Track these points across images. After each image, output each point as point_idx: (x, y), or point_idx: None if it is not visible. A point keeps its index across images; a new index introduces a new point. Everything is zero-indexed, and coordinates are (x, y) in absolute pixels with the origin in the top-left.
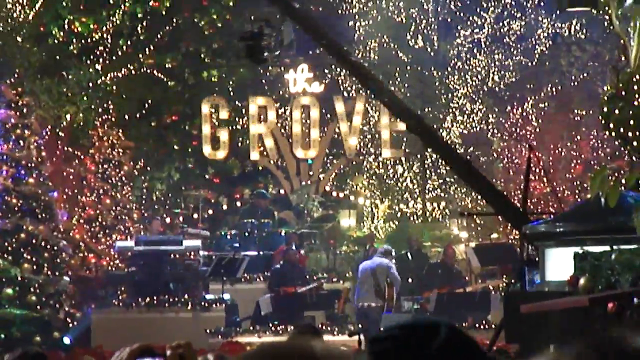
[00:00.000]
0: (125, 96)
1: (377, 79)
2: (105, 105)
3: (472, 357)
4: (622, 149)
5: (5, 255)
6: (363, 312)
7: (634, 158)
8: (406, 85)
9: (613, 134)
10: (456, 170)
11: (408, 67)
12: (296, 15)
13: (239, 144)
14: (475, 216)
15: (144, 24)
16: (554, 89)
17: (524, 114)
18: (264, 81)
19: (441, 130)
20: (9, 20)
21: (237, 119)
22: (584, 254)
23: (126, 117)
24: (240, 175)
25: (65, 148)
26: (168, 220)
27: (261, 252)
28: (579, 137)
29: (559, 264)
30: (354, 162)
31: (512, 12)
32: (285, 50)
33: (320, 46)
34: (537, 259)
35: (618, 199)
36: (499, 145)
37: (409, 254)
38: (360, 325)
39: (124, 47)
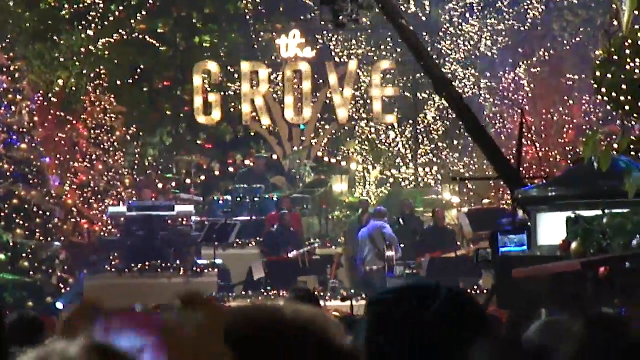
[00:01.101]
0: (118, 61)
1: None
2: (97, 70)
3: (470, 319)
4: (614, 113)
5: None
6: (367, 276)
7: (625, 122)
8: (398, 49)
9: (605, 98)
10: (471, 132)
11: None
12: None
13: (231, 110)
14: (467, 181)
15: None
16: (546, 54)
17: (516, 78)
18: (255, 46)
19: (433, 96)
20: None
21: (229, 84)
22: (576, 218)
23: (118, 82)
24: (233, 141)
25: (58, 113)
26: (160, 185)
27: (253, 217)
28: (571, 102)
29: (551, 228)
30: (346, 128)
31: None
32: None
33: (395, 28)
34: (528, 223)
35: (610, 164)
36: (491, 110)
37: (401, 220)
38: (365, 290)
39: (116, 13)
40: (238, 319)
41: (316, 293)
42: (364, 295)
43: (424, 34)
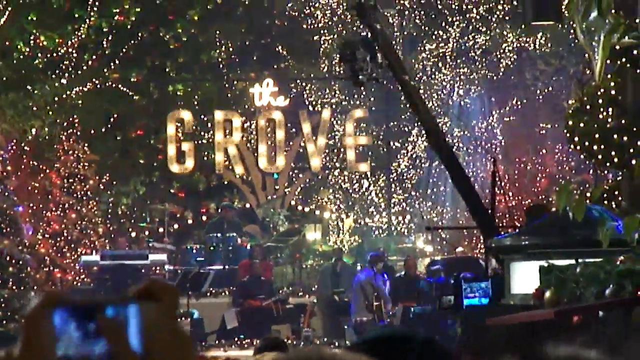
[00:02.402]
0: (91, 110)
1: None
2: (70, 119)
3: None
4: (587, 162)
5: None
6: (357, 328)
7: (598, 172)
8: (371, 98)
9: (578, 147)
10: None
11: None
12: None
13: (205, 158)
14: (440, 230)
15: (110, 38)
16: (518, 103)
17: (489, 127)
18: (229, 95)
19: (406, 145)
20: None
21: (202, 133)
22: (549, 267)
23: (92, 131)
24: (206, 190)
25: (31, 162)
26: (134, 234)
27: (227, 267)
28: (544, 151)
29: (525, 277)
30: (320, 176)
31: (477, 26)
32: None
33: (398, 82)
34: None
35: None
36: (463, 159)
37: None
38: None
39: (90, 61)
40: None
41: (289, 342)
42: (336, 344)
43: (397, 83)
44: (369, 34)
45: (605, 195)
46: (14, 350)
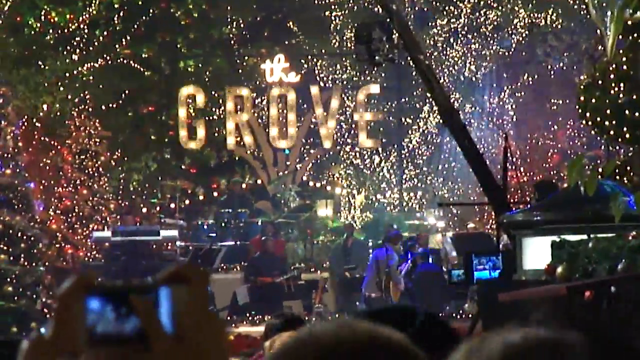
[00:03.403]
0: (102, 86)
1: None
2: (81, 95)
3: (447, 342)
4: (599, 138)
5: None
6: (367, 302)
7: (610, 147)
8: (382, 74)
9: (590, 123)
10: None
11: None
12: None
13: (216, 134)
14: (451, 206)
15: (121, 14)
16: (530, 79)
17: (500, 103)
18: (240, 71)
19: (418, 121)
20: None
21: (213, 109)
22: (561, 242)
23: (103, 107)
24: (217, 166)
25: (42, 138)
26: (145, 210)
27: (238, 242)
28: (555, 127)
29: (537, 252)
30: (331, 152)
31: (489, 1)
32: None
33: (412, 61)
34: (510, 247)
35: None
36: (475, 135)
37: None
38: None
39: (101, 38)
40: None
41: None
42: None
43: (408, 58)
44: (385, 14)
45: (617, 170)
46: (46, 331)
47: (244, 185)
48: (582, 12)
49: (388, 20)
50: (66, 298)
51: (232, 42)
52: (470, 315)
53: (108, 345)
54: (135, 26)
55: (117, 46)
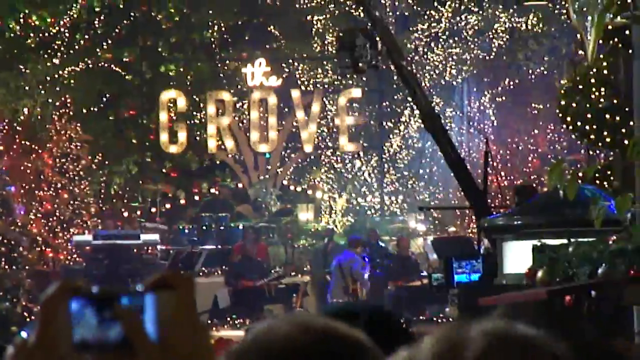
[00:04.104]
0: (83, 90)
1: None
2: (62, 99)
3: (395, 337)
4: (579, 142)
5: None
6: None
7: (590, 152)
8: (363, 78)
9: (570, 127)
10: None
11: None
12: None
13: (197, 138)
14: (432, 210)
15: (102, 17)
16: (511, 83)
17: (481, 107)
18: (221, 75)
19: (399, 124)
20: None
21: (194, 113)
22: (542, 246)
23: (84, 110)
24: (198, 169)
25: (23, 142)
26: (126, 214)
27: (219, 246)
28: (536, 131)
29: (517, 256)
30: (312, 156)
31: (470, 5)
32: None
33: (395, 67)
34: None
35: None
36: (456, 139)
37: (366, 248)
38: None
39: (82, 41)
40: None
41: None
42: None
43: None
44: (367, 20)
45: (597, 175)
46: (30, 336)
47: (230, 186)
48: (562, 17)
49: (371, 27)
50: (50, 302)
51: (214, 46)
52: (450, 319)
53: (93, 352)
54: (117, 30)
55: (98, 50)
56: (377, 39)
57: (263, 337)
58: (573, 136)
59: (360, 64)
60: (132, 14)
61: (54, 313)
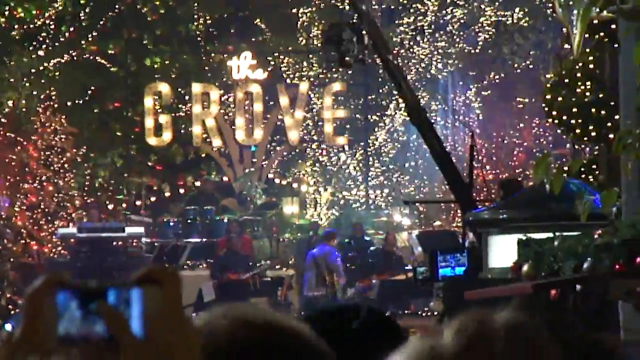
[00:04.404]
0: (68, 82)
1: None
2: (47, 91)
3: (389, 335)
4: (565, 136)
5: None
6: (309, 302)
7: (576, 146)
8: (349, 72)
9: (556, 121)
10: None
11: None
12: (368, 20)
13: (182, 131)
14: (418, 204)
15: (87, 10)
16: (496, 77)
17: (467, 101)
18: (207, 68)
19: (384, 118)
20: None
21: (180, 106)
22: (527, 240)
23: (69, 103)
24: (183, 163)
25: (7, 134)
26: (111, 207)
27: (204, 239)
28: (521, 125)
29: (502, 250)
30: (297, 150)
31: None
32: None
33: (381, 61)
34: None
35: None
36: (441, 133)
37: (352, 241)
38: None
39: (67, 33)
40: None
41: None
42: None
43: (375, 56)
44: (353, 13)
45: (582, 169)
46: (16, 329)
47: (214, 180)
48: (548, 11)
49: (358, 20)
50: (36, 296)
51: (199, 38)
52: (435, 313)
53: (77, 346)
54: (102, 22)
55: (83, 42)
56: (364, 33)
57: (203, 332)
58: (558, 130)
59: (346, 58)
60: (117, 6)
61: (40, 306)
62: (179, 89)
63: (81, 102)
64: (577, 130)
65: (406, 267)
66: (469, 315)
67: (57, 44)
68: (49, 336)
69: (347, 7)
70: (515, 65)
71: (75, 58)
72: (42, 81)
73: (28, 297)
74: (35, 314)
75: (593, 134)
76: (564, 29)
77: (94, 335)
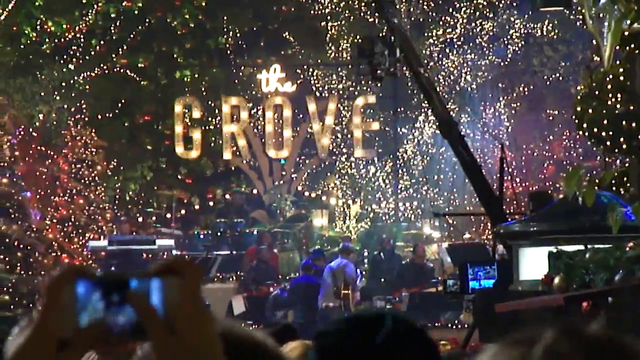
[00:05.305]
0: (98, 96)
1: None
2: (78, 104)
3: (419, 345)
4: (595, 149)
5: None
6: (323, 313)
7: (607, 158)
8: (378, 84)
9: (586, 133)
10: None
11: None
12: (400, 34)
13: (212, 144)
14: (447, 216)
15: (117, 23)
16: (526, 89)
17: (496, 113)
18: (236, 81)
19: (413, 130)
20: None
21: (209, 119)
22: (558, 253)
23: (99, 116)
24: (213, 175)
25: (39, 148)
26: (141, 219)
27: (234, 252)
28: (551, 137)
29: (533, 263)
30: (327, 162)
31: (484, 12)
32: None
33: (413, 74)
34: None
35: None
36: (471, 145)
37: (381, 254)
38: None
39: (97, 47)
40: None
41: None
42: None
43: (405, 68)
44: (383, 26)
45: (613, 181)
46: (35, 316)
47: (244, 192)
48: (578, 23)
49: (390, 34)
50: (55, 285)
51: (228, 52)
52: (466, 326)
53: (102, 337)
54: (132, 36)
55: (113, 55)
56: (396, 46)
57: None
58: (589, 142)
59: (378, 71)
60: (148, 19)
61: (58, 295)
62: (209, 102)
63: (111, 115)
64: (608, 143)
65: (436, 280)
66: (556, 326)
67: (87, 57)
68: (67, 325)
69: (375, 20)
70: (545, 77)
71: (105, 71)
72: (73, 94)
73: (47, 286)
74: (53, 303)
75: (624, 146)
76: (594, 41)
77: (117, 325)
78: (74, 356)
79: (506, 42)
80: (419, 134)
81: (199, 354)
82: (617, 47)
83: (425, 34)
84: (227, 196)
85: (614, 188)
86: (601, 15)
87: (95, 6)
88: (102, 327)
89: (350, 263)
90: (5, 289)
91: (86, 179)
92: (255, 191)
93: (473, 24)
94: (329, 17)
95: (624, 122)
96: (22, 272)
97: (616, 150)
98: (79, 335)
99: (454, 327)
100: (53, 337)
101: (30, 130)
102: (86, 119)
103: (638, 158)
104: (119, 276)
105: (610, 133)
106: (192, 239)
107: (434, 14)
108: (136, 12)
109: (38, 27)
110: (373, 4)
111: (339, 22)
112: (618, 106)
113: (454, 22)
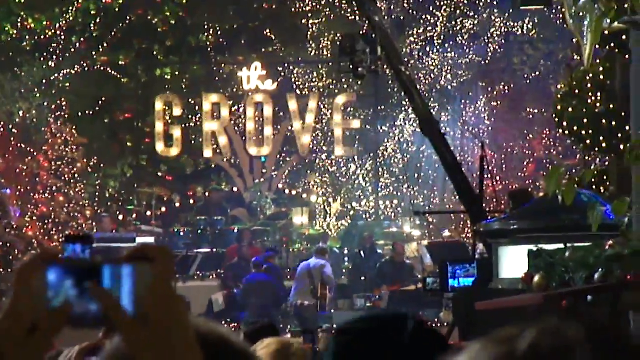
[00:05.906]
0: (79, 93)
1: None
2: (58, 102)
3: (440, 347)
4: (575, 147)
5: None
6: (297, 310)
7: (586, 157)
8: (359, 82)
9: (566, 132)
10: (448, 168)
11: None
12: (381, 32)
13: (192, 142)
14: (427, 215)
15: (97, 20)
16: (506, 88)
17: (477, 112)
18: (217, 78)
19: (394, 128)
20: None
21: (190, 117)
22: (538, 251)
23: (79, 114)
24: (193, 173)
25: (18, 145)
26: (121, 217)
27: (214, 250)
28: (531, 136)
29: (513, 261)
30: (307, 160)
31: (465, 10)
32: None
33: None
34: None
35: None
36: (451, 143)
37: (362, 252)
38: (296, 322)
39: (77, 44)
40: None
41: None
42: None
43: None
44: (364, 24)
45: (593, 180)
46: (5, 303)
47: (223, 190)
48: (558, 22)
49: (371, 32)
50: (25, 270)
51: (209, 49)
52: (445, 324)
53: (74, 324)
54: (112, 33)
55: (93, 53)
56: (377, 43)
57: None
58: (569, 141)
59: (360, 69)
60: (128, 17)
61: (28, 280)
62: (189, 100)
63: (91, 112)
64: (588, 141)
65: (416, 278)
66: (541, 325)
67: (67, 54)
68: (37, 310)
69: (356, 18)
70: (525, 76)
71: (85, 69)
72: (53, 92)
73: (17, 271)
74: (24, 287)
75: (604, 144)
76: (575, 40)
77: (89, 314)
78: (43, 339)
79: (486, 40)
80: (400, 132)
81: (170, 338)
82: (597, 46)
83: (406, 32)
84: (207, 194)
85: (593, 187)
86: (581, 13)
87: (75, 3)
88: (70, 309)
89: (328, 263)
90: None
91: (66, 176)
92: (235, 189)
93: (453, 23)
94: (310, 15)
95: (603, 121)
96: (2, 270)
97: (596, 149)
98: (47, 318)
99: (434, 325)
100: (23, 322)
101: (10, 127)
102: (66, 116)
103: (618, 157)
104: (91, 262)
105: (590, 132)
106: (172, 236)
107: (414, 12)
108: (116, 9)
109: (18, 24)
110: (354, 2)
111: (320, 20)
112: (598, 105)
113: (435, 21)
